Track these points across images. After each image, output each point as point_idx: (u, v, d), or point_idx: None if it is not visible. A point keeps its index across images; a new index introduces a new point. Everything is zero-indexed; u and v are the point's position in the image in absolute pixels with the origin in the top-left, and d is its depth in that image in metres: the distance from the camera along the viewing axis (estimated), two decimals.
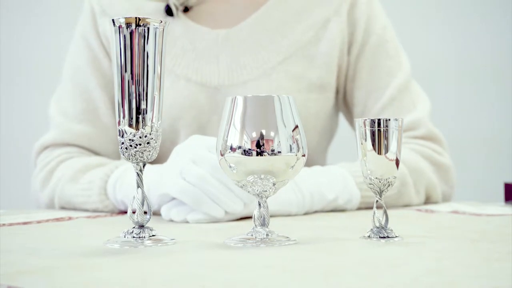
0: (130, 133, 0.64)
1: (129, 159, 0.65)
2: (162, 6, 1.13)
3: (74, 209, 1.03)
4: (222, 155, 0.64)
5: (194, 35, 1.11)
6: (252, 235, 0.65)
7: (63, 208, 1.06)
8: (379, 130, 0.67)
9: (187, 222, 0.83)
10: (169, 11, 1.12)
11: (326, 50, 1.12)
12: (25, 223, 0.82)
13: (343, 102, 1.18)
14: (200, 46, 1.11)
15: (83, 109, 1.13)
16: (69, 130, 1.12)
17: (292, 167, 0.64)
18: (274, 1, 1.13)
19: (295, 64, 1.11)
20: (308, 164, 1.09)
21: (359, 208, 0.97)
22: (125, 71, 0.64)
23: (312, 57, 1.12)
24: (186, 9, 1.13)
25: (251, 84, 1.09)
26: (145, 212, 0.66)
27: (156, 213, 0.88)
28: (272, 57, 1.10)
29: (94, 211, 1.00)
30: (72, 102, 1.14)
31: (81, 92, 1.14)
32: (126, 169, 0.99)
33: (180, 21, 1.12)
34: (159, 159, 1.05)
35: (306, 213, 0.92)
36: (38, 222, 0.84)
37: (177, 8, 1.12)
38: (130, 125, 0.64)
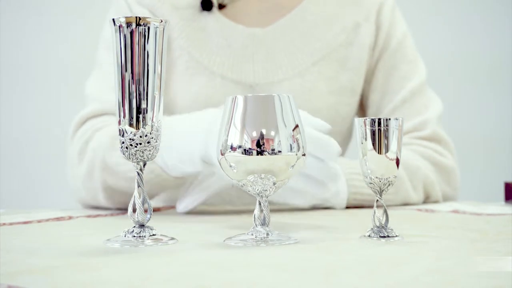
0: (131, 133, 0.64)
1: (130, 159, 0.65)
2: (196, 0, 1.12)
3: (119, 179, 0.95)
4: (222, 154, 0.64)
5: (229, 32, 1.11)
6: (252, 235, 0.65)
7: (104, 181, 0.96)
8: (379, 130, 0.67)
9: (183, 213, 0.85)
10: (205, 6, 1.11)
11: (357, 54, 1.14)
12: (25, 223, 0.82)
13: (360, 104, 1.19)
14: (236, 44, 1.11)
15: None
16: (107, 100, 1.06)
17: (293, 166, 0.64)
18: (307, 4, 1.14)
19: (328, 67, 1.12)
20: None
21: (348, 207, 0.96)
22: (126, 70, 0.64)
23: (344, 61, 1.13)
24: (220, 6, 1.13)
25: (286, 83, 1.10)
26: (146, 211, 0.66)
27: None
28: (306, 58, 1.12)
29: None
30: (108, 78, 1.05)
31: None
32: (171, 120, 0.90)
33: (214, 17, 1.12)
34: None
35: (282, 203, 0.93)
36: (38, 221, 0.84)
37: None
38: (131, 125, 0.64)
